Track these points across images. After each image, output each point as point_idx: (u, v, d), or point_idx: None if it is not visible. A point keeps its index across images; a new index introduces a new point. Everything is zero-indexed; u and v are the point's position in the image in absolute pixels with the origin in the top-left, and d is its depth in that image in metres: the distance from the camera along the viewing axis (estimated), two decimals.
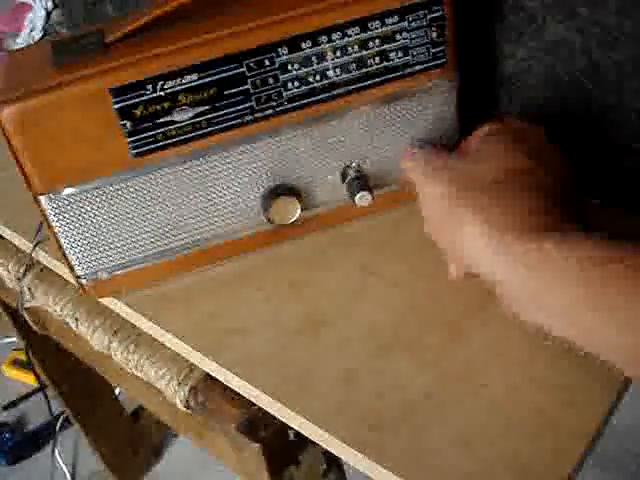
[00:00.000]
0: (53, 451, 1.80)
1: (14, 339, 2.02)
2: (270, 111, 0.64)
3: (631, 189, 0.71)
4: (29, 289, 0.87)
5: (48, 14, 1.27)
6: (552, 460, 0.52)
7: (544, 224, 0.50)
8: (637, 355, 0.44)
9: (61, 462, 1.84)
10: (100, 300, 0.73)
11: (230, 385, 0.63)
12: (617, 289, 0.44)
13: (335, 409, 0.58)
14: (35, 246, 0.82)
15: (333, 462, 0.73)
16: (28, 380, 2.05)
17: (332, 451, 0.57)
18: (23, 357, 2.08)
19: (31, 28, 1.29)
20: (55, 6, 1.25)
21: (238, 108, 0.63)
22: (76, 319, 0.79)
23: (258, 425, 0.63)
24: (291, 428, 0.61)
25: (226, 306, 0.68)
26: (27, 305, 0.89)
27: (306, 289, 0.69)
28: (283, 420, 0.60)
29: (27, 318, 0.97)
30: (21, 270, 0.87)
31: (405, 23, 0.63)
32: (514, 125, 0.61)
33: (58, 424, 1.83)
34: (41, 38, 1.26)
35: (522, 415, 0.55)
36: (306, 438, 0.59)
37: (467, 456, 0.53)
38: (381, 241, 0.71)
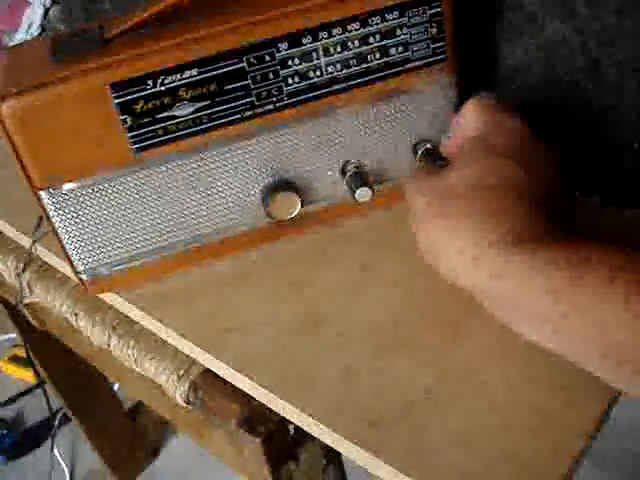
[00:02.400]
0: (52, 448, 1.79)
1: (12, 335, 2.03)
2: (270, 106, 0.64)
3: (631, 188, 0.71)
4: (28, 285, 0.87)
5: (46, 11, 1.27)
6: (551, 459, 0.52)
7: (522, 233, 0.49)
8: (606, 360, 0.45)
9: (60, 459, 1.85)
10: (100, 296, 0.73)
11: (231, 381, 0.63)
12: (588, 298, 0.44)
13: (335, 408, 0.58)
14: (34, 242, 0.82)
15: (333, 458, 0.73)
16: (26, 377, 2.05)
17: (333, 446, 0.57)
18: (21, 354, 2.08)
19: (29, 25, 1.28)
20: (53, 3, 1.25)
21: (238, 103, 0.63)
22: (75, 314, 0.79)
23: (258, 421, 0.63)
24: (291, 423, 0.61)
25: (226, 305, 0.68)
26: (26, 301, 0.89)
27: (306, 288, 0.69)
28: (284, 415, 0.60)
29: (26, 314, 0.97)
30: (20, 266, 0.87)
31: (405, 19, 0.63)
32: (493, 119, 0.59)
33: (56, 421, 1.83)
34: (39, 35, 1.25)
35: (522, 414, 0.55)
36: (306, 434, 0.59)
37: (467, 455, 0.53)
38: (381, 240, 0.71)
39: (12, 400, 2.04)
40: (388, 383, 0.59)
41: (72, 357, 1.06)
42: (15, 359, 2.11)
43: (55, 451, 1.84)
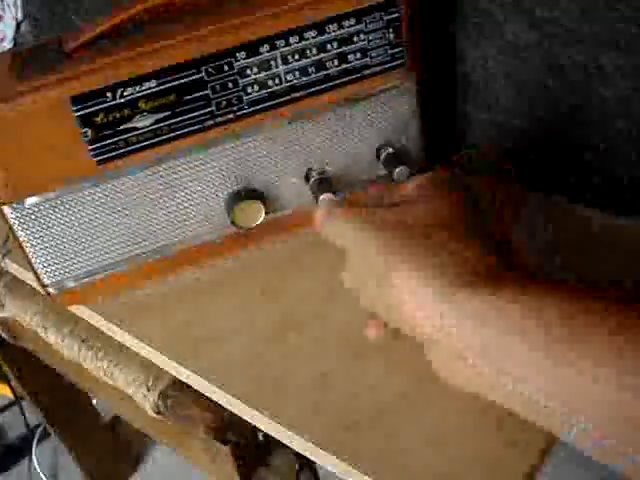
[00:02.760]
0: (30, 463, 1.79)
1: None
2: (231, 115, 0.64)
3: (597, 187, 0.72)
4: None
5: (18, 25, 1.27)
6: (519, 453, 0.53)
7: (479, 272, 0.47)
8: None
9: (41, 474, 1.83)
10: (68, 308, 0.73)
11: (200, 390, 0.63)
12: (556, 335, 0.41)
13: (310, 411, 0.58)
14: (4, 256, 0.81)
15: (306, 463, 0.73)
16: (6, 392, 2.03)
17: (301, 452, 0.57)
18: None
19: (1, 38, 1.28)
20: (25, 17, 1.25)
21: (199, 113, 0.63)
22: (45, 328, 0.79)
23: (227, 428, 0.63)
24: (260, 430, 0.61)
25: (199, 314, 0.69)
26: None
27: (280, 295, 0.69)
28: (253, 423, 0.60)
29: None
30: None
31: (362, 25, 0.64)
32: (448, 173, 0.57)
33: (36, 435, 1.82)
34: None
35: (493, 412, 0.55)
36: (276, 439, 0.59)
37: (441, 456, 0.54)
38: None
39: None
40: (363, 387, 0.59)
41: (50, 371, 1.06)
42: None
43: (36, 466, 1.83)
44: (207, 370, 0.63)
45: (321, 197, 0.67)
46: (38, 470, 1.83)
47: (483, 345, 0.44)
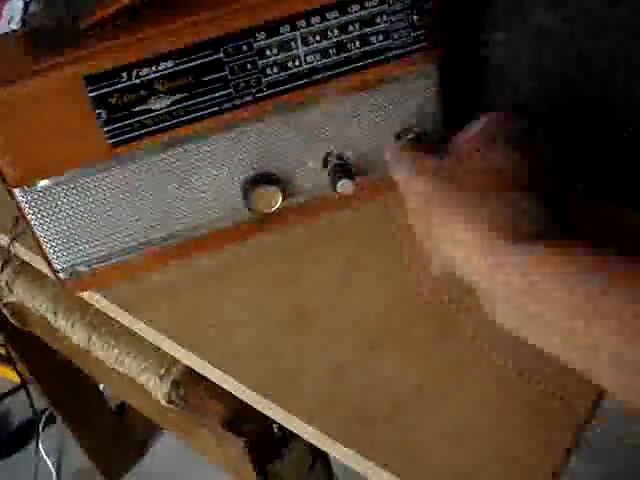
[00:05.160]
0: (37, 447, 1.78)
1: None
2: (249, 98, 0.63)
3: (619, 177, 0.71)
4: (7, 284, 0.85)
5: (26, 4, 1.25)
6: (543, 451, 0.52)
7: (528, 230, 0.48)
8: (616, 366, 0.42)
9: (46, 458, 1.83)
10: (80, 294, 0.71)
11: (215, 380, 0.62)
12: (596, 301, 0.42)
13: (323, 404, 0.57)
14: (13, 240, 0.80)
15: (319, 456, 0.72)
16: (12, 376, 2.03)
17: (317, 445, 0.56)
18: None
19: (9, 19, 1.27)
20: None
21: (216, 95, 0.62)
22: (55, 314, 0.77)
23: (242, 420, 0.62)
24: (275, 422, 0.60)
25: (210, 301, 0.67)
26: (6, 300, 0.88)
27: (291, 283, 0.68)
28: (268, 415, 0.59)
29: (6, 314, 0.96)
30: None
31: (385, 6, 0.62)
32: (498, 122, 0.58)
33: (42, 420, 1.82)
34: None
35: (513, 409, 0.55)
36: (291, 432, 0.58)
37: (458, 450, 0.53)
38: (366, 233, 0.70)
39: None
40: (378, 380, 0.58)
41: (56, 355, 1.05)
42: (1, 358, 2.08)
43: (42, 451, 1.82)
44: (218, 360, 0.62)
45: (339, 183, 0.66)
46: (44, 454, 1.83)
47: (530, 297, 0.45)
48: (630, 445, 1.47)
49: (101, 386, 1.65)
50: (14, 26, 1.26)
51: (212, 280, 0.69)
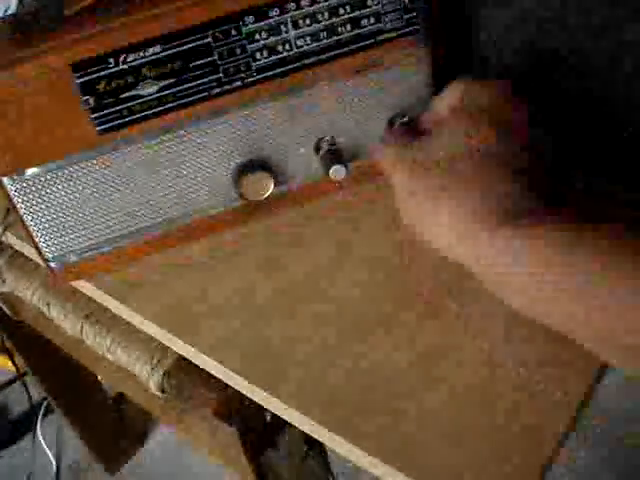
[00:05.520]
0: (34, 438, 1.78)
1: None
2: (239, 83, 0.62)
3: (610, 159, 0.70)
4: (0, 274, 0.85)
5: None
6: (534, 437, 0.51)
7: (507, 207, 0.48)
8: (601, 335, 0.43)
9: (45, 449, 1.83)
10: (70, 283, 0.70)
11: (205, 367, 0.62)
12: (580, 275, 0.43)
13: (310, 390, 0.57)
14: (4, 230, 0.79)
15: (314, 445, 0.71)
16: (9, 367, 2.02)
17: (309, 433, 0.56)
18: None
19: (6, 8, 1.26)
20: None
21: (205, 80, 0.61)
22: (47, 304, 0.77)
23: (234, 409, 0.62)
24: (267, 411, 0.59)
25: (199, 288, 0.67)
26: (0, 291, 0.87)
27: (280, 269, 0.67)
28: (259, 402, 0.58)
29: (0, 303, 0.95)
30: None
31: None
32: (474, 90, 0.57)
33: (41, 410, 1.81)
34: None
35: (502, 392, 0.54)
36: (284, 421, 0.58)
37: (446, 435, 0.52)
38: (355, 217, 0.70)
39: None
40: (365, 365, 0.58)
41: (53, 345, 1.04)
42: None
43: (41, 441, 1.82)
44: (207, 347, 0.61)
45: (331, 169, 0.65)
46: (42, 445, 1.83)
47: (517, 281, 0.46)
48: (630, 445, 1.47)
49: (99, 376, 1.65)
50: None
51: (201, 268, 0.69)
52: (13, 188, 0.61)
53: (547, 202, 0.48)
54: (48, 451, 1.83)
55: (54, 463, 1.83)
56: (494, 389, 0.54)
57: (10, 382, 1.99)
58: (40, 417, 1.84)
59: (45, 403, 1.79)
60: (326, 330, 0.61)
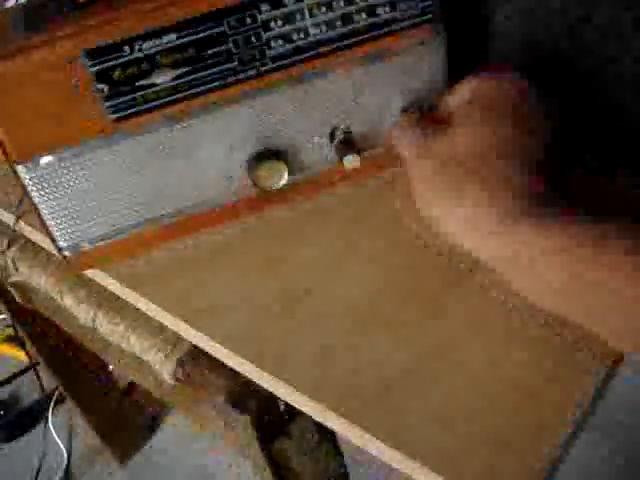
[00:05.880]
0: (45, 427, 1.79)
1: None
2: (254, 71, 0.62)
3: (613, 149, 0.70)
4: (13, 262, 0.85)
5: None
6: (535, 436, 0.51)
7: (524, 200, 0.48)
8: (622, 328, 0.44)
9: (57, 438, 1.84)
10: (83, 272, 0.71)
11: (217, 356, 0.62)
12: (591, 263, 0.44)
13: (311, 386, 0.57)
14: (18, 218, 0.79)
15: (326, 433, 0.71)
16: (22, 357, 2.03)
17: (322, 421, 0.56)
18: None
19: None
20: None
21: (220, 69, 0.61)
22: (60, 292, 0.77)
23: (247, 396, 0.62)
24: (281, 399, 0.59)
25: (201, 282, 0.67)
26: (13, 280, 0.87)
27: (282, 264, 0.67)
28: (272, 391, 0.58)
29: (13, 292, 0.95)
30: (4, 243, 0.85)
31: None
32: (492, 84, 0.57)
33: (53, 399, 1.82)
34: None
35: (503, 391, 0.54)
36: (297, 409, 0.58)
37: (447, 433, 0.52)
38: (358, 215, 0.70)
39: (7, 381, 2.02)
40: (365, 360, 0.58)
41: (65, 334, 1.04)
42: (10, 339, 2.09)
43: (52, 430, 1.83)
44: (220, 335, 0.62)
45: (345, 157, 0.65)
46: (54, 434, 1.84)
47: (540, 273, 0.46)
48: (633, 443, 1.47)
49: (110, 366, 1.66)
50: (10, 4, 1.25)
51: (205, 262, 0.68)
52: (27, 176, 0.61)
53: (563, 193, 0.48)
54: (59, 440, 1.84)
55: (65, 452, 1.84)
56: (494, 389, 0.54)
57: (22, 372, 2.00)
58: (52, 407, 1.85)
59: (57, 393, 1.80)
60: (327, 326, 0.61)
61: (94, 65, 0.58)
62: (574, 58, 0.67)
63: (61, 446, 1.83)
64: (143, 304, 0.67)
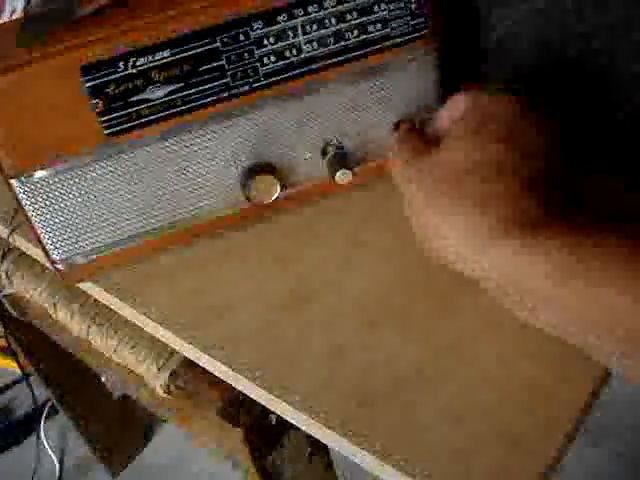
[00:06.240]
0: (38, 439, 1.78)
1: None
2: (246, 87, 0.62)
3: (624, 152, 0.70)
4: (7, 275, 0.85)
5: None
6: (544, 433, 0.51)
7: (516, 217, 0.48)
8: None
9: (49, 449, 1.83)
10: (77, 285, 0.71)
11: (210, 369, 0.62)
12: (589, 281, 0.43)
13: (321, 386, 0.57)
14: (12, 231, 0.80)
15: (318, 445, 0.71)
16: (15, 368, 2.03)
17: (315, 435, 0.56)
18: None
19: (12, 11, 1.26)
20: None
21: (213, 85, 0.61)
22: (54, 305, 0.77)
23: (239, 409, 0.62)
24: (273, 412, 0.59)
25: (209, 283, 0.67)
26: (6, 292, 0.88)
27: (291, 264, 0.67)
28: (264, 405, 0.59)
29: (6, 305, 0.96)
30: None
31: None
32: (484, 100, 0.57)
33: (45, 411, 1.82)
34: None
35: (515, 389, 0.54)
36: (289, 422, 0.58)
37: (459, 431, 0.53)
38: (367, 212, 0.70)
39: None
40: (377, 358, 0.58)
41: (58, 346, 1.05)
42: (3, 350, 2.08)
43: (44, 442, 1.83)
44: (217, 343, 0.62)
45: (337, 173, 0.65)
46: (46, 446, 1.84)
47: (532, 291, 0.46)
48: (637, 442, 1.47)
49: (103, 378, 1.65)
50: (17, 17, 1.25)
51: (212, 263, 0.69)
52: (21, 190, 0.62)
53: (563, 209, 0.48)
54: (51, 452, 1.84)
55: (57, 464, 1.83)
56: (504, 387, 0.55)
57: (15, 383, 1.99)
58: (44, 418, 1.84)
59: (49, 404, 1.80)
60: (337, 326, 0.61)
61: (89, 80, 0.58)
62: (589, 58, 0.67)
63: (53, 457, 1.83)
64: (134, 317, 0.67)
